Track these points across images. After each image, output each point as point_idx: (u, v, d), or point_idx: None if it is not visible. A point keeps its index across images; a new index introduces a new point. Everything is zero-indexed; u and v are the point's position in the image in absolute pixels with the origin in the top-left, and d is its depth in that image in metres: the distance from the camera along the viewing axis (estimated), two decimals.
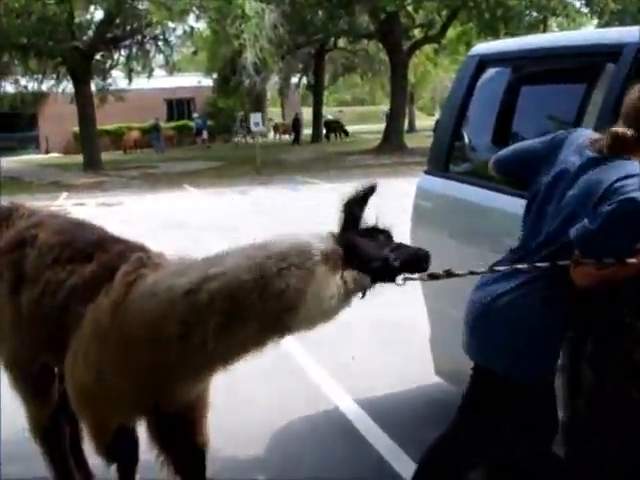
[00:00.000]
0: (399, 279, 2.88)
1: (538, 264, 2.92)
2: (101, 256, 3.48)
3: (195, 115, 46.52)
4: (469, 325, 3.20)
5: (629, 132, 2.86)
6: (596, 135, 3.05)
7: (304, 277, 2.75)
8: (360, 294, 2.90)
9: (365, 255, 2.83)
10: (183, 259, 3.23)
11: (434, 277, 3.00)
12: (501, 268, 3.03)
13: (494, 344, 3.11)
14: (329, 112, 51.74)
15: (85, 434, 3.68)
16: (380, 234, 2.93)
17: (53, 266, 3.62)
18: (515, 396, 3.13)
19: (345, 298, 2.85)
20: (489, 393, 3.19)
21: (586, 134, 3.11)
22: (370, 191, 2.93)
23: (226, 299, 2.83)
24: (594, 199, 2.81)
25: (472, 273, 3.05)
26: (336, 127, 47.50)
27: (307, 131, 46.16)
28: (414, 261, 2.91)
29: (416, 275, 2.94)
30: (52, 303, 3.54)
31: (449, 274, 2.99)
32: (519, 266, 2.96)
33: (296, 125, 44.36)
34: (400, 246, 2.94)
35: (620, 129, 2.88)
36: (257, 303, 2.80)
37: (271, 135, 44.78)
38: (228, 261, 2.91)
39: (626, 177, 2.78)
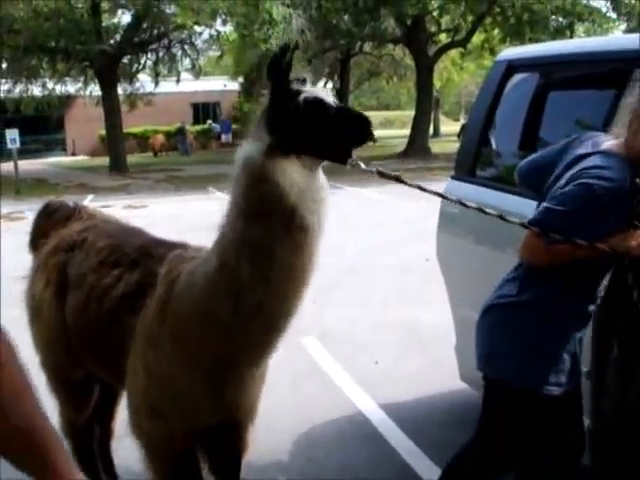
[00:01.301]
0: (349, 162, 2.74)
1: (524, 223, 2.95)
2: (146, 262, 3.40)
3: (209, 121, 46.53)
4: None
5: None
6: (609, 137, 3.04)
7: (265, 184, 2.67)
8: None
9: (303, 138, 2.70)
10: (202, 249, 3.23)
11: (382, 174, 2.89)
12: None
13: (496, 351, 3.09)
14: None
15: (144, 460, 3.39)
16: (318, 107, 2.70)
17: (99, 270, 3.56)
18: (525, 406, 3.08)
19: (308, 173, 2.72)
20: (496, 402, 3.16)
21: (595, 136, 3.09)
22: (285, 50, 2.71)
23: (245, 250, 2.76)
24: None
25: (420, 188, 2.96)
26: None
27: None
28: (355, 123, 2.72)
29: (365, 166, 2.78)
30: (99, 311, 3.47)
31: (397, 179, 2.89)
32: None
33: None
34: (338, 110, 2.74)
35: None
36: (262, 233, 2.72)
37: None
38: (223, 229, 2.88)
39: (591, 168, 2.84)
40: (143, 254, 3.47)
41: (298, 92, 2.72)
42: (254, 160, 2.71)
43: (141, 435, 3.34)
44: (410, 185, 2.94)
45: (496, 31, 32.88)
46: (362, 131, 2.71)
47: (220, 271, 2.85)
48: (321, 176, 2.81)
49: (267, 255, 2.75)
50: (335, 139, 2.72)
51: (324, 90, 2.84)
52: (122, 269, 3.47)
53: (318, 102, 2.70)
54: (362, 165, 2.77)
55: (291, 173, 2.67)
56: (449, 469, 3.38)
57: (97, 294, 3.49)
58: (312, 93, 2.72)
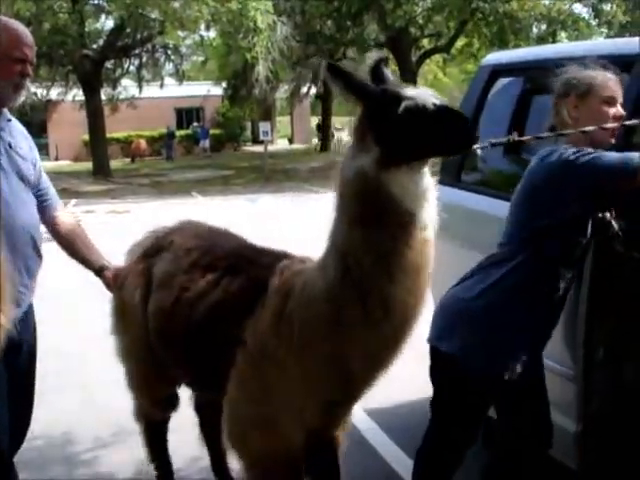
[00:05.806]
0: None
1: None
2: (249, 270, 3.27)
3: (194, 124, 46.41)
4: (448, 320, 3.35)
5: None
6: None
7: (381, 196, 2.70)
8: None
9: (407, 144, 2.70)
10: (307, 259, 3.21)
11: (495, 144, 3.37)
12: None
13: (474, 342, 3.18)
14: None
15: (245, 471, 3.30)
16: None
17: (190, 271, 3.42)
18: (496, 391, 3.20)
19: (418, 177, 2.80)
20: (464, 388, 3.26)
21: None
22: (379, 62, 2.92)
23: (369, 254, 2.74)
24: None
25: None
26: None
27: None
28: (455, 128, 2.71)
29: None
30: (190, 316, 3.31)
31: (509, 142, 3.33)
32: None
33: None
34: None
35: None
36: (383, 237, 2.73)
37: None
38: (335, 240, 2.87)
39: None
40: (245, 261, 3.35)
41: (397, 97, 2.69)
42: (367, 173, 2.69)
43: (244, 446, 3.24)
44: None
45: (479, 37, 32.98)
46: (463, 136, 2.75)
47: (343, 278, 2.79)
48: (427, 175, 2.86)
49: (391, 255, 2.73)
50: (439, 143, 2.74)
51: (421, 89, 2.79)
52: (218, 274, 3.33)
53: (418, 109, 2.64)
54: (475, 146, 2.96)
55: (405, 183, 2.70)
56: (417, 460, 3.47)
57: (190, 296, 3.35)
58: (412, 99, 2.67)
